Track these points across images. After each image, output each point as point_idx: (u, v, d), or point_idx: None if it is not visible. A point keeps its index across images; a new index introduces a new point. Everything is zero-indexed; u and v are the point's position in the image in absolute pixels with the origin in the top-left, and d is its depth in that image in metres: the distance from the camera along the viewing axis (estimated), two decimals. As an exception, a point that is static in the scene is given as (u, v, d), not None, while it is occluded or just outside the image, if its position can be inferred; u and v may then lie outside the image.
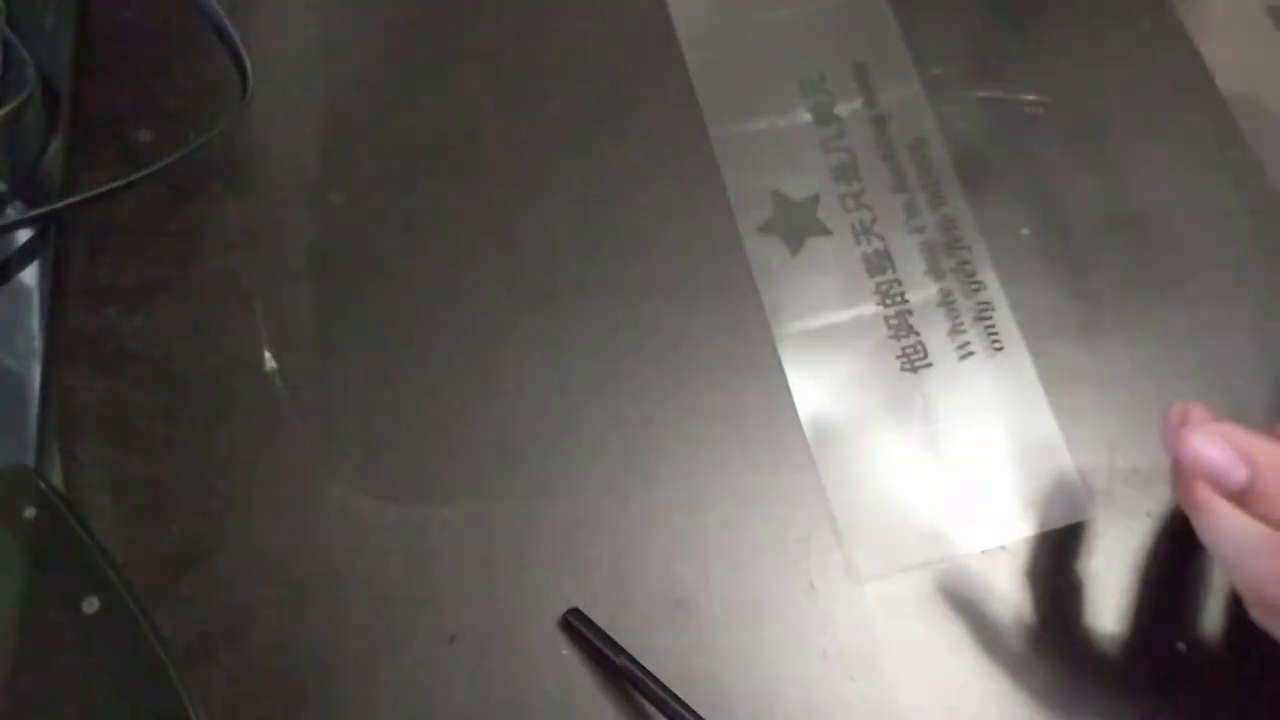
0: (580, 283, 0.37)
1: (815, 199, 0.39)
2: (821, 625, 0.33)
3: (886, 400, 0.36)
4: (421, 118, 0.40)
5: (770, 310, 0.37)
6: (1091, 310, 0.38)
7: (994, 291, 0.38)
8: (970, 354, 0.37)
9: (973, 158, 0.40)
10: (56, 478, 0.34)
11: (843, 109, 0.41)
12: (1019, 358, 0.37)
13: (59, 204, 0.36)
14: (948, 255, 0.38)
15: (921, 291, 0.38)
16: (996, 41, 0.42)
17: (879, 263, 0.38)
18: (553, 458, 0.35)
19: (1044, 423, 0.36)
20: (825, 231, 0.39)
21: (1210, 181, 0.40)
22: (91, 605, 0.32)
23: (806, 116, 0.40)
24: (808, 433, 0.36)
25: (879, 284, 0.38)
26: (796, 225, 0.39)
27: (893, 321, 0.37)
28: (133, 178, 0.36)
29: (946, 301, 0.38)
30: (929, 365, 0.37)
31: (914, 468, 0.35)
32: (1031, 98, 0.41)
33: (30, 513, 0.33)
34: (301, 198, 0.38)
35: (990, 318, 0.37)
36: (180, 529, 0.33)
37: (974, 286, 0.38)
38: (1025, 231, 0.39)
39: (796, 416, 0.36)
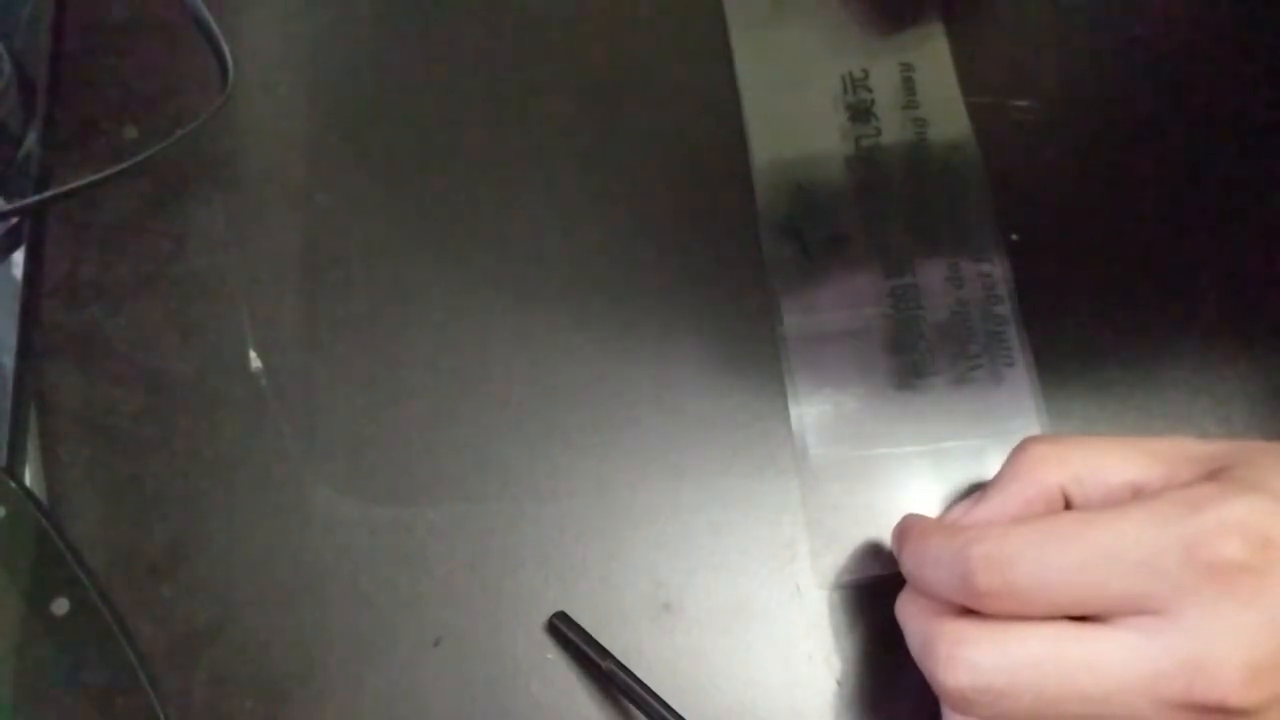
0: (569, 283, 0.37)
1: (843, 193, 0.39)
2: (808, 629, 0.34)
3: (885, 406, 0.36)
4: (409, 115, 0.39)
5: (776, 305, 0.37)
6: (1106, 341, 0.38)
7: (1011, 308, 0.38)
8: (978, 367, 0.37)
9: (1008, 174, 0.40)
10: (37, 478, 0.33)
11: (882, 108, 0.40)
12: (1026, 378, 0.37)
13: (33, 198, 0.35)
14: (971, 264, 0.38)
15: (938, 299, 0.38)
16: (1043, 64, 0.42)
17: (898, 266, 0.38)
18: (539, 460, 0.35)
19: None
20: (846, 227, 0.39)
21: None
22: (61, 607, 0.31)
23: (844, 111, 0.40)
24: (799, 437, 0.36)
25: (894, 287, 0.38)
26: (818, 218, 0.38)
27: (904, 326, 0.37)
28: (108, 172, 0.35)
29: (962, 312, 0.38)
30: (936, 374, 0.37)
31: (907, 475, 0.35)
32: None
33: (0, 512, 0.32)
34: (288, 196, 0.38)
35: (1004, 333, 0.37)
36: (163, 530, 0.33)
37: (992, 300, 0.38)
38: (1051, 252, 0.39)
39: (788, 420, 0.36)
